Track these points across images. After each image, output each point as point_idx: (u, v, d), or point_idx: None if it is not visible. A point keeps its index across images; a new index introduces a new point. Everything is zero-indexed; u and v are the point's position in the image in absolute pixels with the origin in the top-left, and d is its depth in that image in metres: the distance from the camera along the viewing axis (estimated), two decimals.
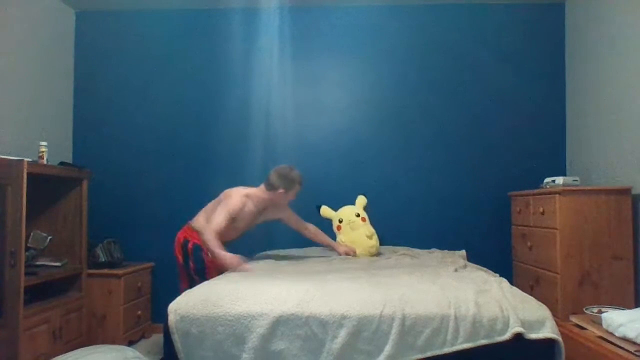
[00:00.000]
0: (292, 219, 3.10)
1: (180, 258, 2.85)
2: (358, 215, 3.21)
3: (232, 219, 2.75)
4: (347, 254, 3.06)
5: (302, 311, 1.81)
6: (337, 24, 3.70)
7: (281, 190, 2.82)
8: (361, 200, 3.32)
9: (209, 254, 2.69)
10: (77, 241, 3.06)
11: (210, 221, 2.71)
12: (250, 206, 2.85)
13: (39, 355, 2.58)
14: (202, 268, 2.75)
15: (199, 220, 2.86)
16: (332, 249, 3.16)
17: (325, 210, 3.30)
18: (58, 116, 3.62)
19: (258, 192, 2.89)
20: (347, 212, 3.24)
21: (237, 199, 2.79)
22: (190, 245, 2.80)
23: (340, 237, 3.19)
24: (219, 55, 3.72)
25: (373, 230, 3.16)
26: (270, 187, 2.84)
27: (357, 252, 3.09)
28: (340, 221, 3.22)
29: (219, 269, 2.62)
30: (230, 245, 2.85)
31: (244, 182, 3.59)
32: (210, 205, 2.94)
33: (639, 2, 2.70)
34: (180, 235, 2.89)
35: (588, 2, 3.27)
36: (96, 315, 3.18)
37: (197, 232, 2.76)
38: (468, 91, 3.62)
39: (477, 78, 3.61)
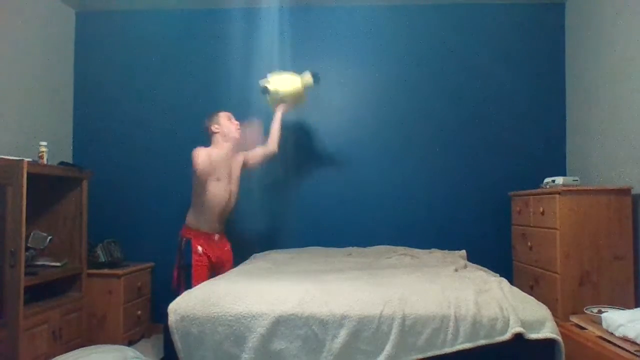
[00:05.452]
0: (257, 152, 3.20)
1: (179, 256, 2.95)
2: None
3: (209, 162, 2.79)
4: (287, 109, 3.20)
5: (302, 311, 1.81)
6: (337, 24, 3.69)
7: (215, 127, 3.01)
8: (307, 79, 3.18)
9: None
10: (77, 241, 3.06)
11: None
12: (215, 153, 2.89)
13: (39, 355, 2.58)
14: (188, 264, 2.83)
15: (190, 217, 2.97)
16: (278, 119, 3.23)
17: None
18: (58, 116, 3.62)
19: (212, 145, 3.00)
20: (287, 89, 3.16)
21: (197, 150, 2.79)
22: (183, 242, 2.89)
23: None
24: (219, 55, 3.72)
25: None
26: (208, 132, 3.03)
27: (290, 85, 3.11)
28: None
29: (205, 268, 2.84)
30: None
31: (244, 182, 3.62)
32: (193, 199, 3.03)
33: (639, 2, 2.70)
34: (179, 237, 2.98)
35: (588, 2, 3.27)
36: (96, 315, 3.17)
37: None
38: (468, 91, 3.61)
39: (477, 78, 3.61)
